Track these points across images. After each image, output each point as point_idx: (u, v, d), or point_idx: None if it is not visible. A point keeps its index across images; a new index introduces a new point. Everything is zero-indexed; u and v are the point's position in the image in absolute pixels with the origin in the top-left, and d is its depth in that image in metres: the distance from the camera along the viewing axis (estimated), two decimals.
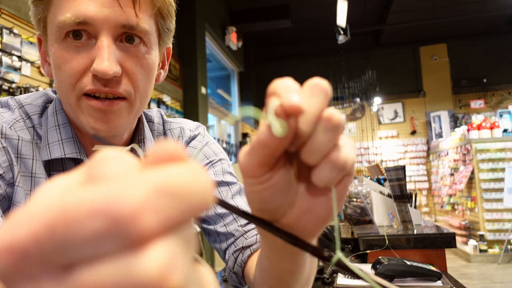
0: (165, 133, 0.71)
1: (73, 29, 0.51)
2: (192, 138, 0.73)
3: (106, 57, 0.50)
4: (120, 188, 0.13)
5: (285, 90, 0.28)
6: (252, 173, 0.30)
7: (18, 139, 0.56)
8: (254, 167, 0.30)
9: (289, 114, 0.26)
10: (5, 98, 0.60)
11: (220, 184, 0.69)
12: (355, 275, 0.26)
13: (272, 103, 0.27)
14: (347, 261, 0.27)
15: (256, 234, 0.64)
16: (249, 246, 0.64)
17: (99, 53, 0.51)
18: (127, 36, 0.53)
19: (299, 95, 0.27)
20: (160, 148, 0.15)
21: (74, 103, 0.54)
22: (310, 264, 0.43)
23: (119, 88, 0.53)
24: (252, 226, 0.66)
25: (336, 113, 0.28)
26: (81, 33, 0.52)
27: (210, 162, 0.70)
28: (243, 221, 0.66)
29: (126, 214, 0.13)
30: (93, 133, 0.55)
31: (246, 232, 0.66)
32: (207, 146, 0.72)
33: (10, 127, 0.55)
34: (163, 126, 0.72)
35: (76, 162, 0.59)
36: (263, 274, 0.45)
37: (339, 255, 0.27)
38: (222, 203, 0.29)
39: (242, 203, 0.68)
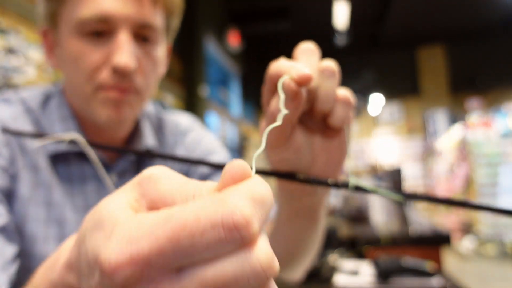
0: (160, 128, 0.72)
1: (94, 26, 0.52)
2: (187, 132, 0.73)
3: (127, 53, 0.52)
4: (230, 202, 0.16)
5: (288, 67, 0.32)
6: (278, 143, 0.36)
7: None
8: (279, 139, 0.36)
9: (303, 83, 0.31)
10: (5, 93, 0.60)
11: None
12: (374, 193, 0.34)
13: (281, 79, 0.32)
14: (362, 184, 0.34)
15: None
16: None
17: (120, 49, 0.52)
18: (141, 33, 0.55)
19: (303, 65, 0.32)
20: (234, 167, 0.18)
21: (90, 95, 0.55)
22: (323, 220, 0.51)
23: (135, 82, 0.55)
24: None
25: (330, 62, 0.35)
26: (99, 28, 0.53)
27: (209, 153, 0.71)
28: None
29: (243, 223, 0.16)
30: (106, 122, 0.56)
31: None
32: (203, 139, 0.73)
33: (14, 122, 0.55)
34: (159, 120, 0.72)
35: (79, 155, 0.59)
36: (281, 242, 0.51)
37: (354, 181, 0.35)
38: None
39: None
